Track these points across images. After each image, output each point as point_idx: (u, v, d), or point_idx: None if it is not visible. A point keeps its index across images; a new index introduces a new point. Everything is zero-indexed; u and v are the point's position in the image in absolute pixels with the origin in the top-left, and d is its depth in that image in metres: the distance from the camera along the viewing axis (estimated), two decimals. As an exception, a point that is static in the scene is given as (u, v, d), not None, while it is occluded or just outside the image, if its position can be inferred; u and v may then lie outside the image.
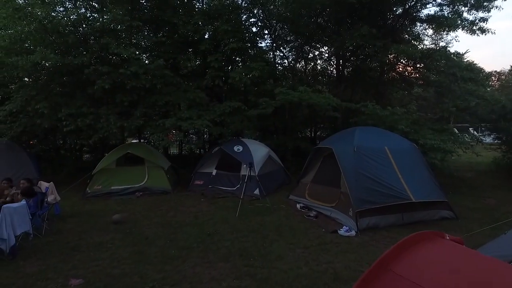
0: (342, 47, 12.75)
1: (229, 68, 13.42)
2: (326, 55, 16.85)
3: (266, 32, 15.20)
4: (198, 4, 13.56)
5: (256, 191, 9.60)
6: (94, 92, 9.49)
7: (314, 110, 12.69)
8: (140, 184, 10.29)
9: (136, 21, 10.41)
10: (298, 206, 8.45)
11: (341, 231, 6.44)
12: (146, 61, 11.59)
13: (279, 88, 10.57)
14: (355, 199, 6.66)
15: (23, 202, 5.71)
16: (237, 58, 13.92)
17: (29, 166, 11.08)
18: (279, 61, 16.51)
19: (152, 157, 10.57)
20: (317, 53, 16.99)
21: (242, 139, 11.15)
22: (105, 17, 11.40)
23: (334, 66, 15.87)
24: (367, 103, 10.14)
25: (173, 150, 18.54)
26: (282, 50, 16.16)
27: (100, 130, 9.66)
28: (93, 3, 11.72)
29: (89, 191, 9.93)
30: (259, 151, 10.62)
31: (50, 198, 7.43)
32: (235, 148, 10.35)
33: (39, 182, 7.79)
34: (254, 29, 14.59)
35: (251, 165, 8.35)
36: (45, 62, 8.96)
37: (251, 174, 9.52)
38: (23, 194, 6.51)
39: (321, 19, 14.26)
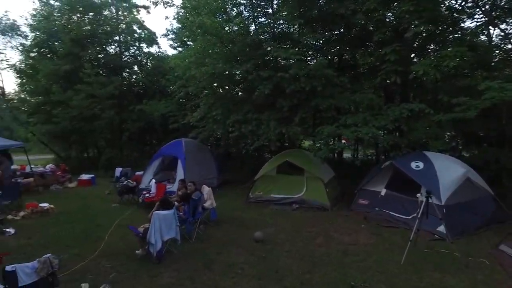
0: None
1: (414, 58, 10.61)
2: None
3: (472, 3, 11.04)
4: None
5: (441, 228, 6.87)
6: (256, 98, 9.49)
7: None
8: (298, 196, 9.56)
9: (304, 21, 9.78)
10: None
11: None
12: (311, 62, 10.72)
13: (486, 82, 7.17)
14: None
15: (172, 210, 6.00)
16: (427, 46, 10.86)
17: (212, 165, 12.61)
18: (498, 43, 11.71)
19: (312, 167, 9.61)
20: None
21: (425, 152, 8.41)
22: (279, 22, 11.43)
23: None
24: None
25: (348, 154, 16.97)
26: (504, 26, 11.37)
27: (260, 137, 9.59)
28: (267, 10, 11.92)
29: (251, 196, 10.12)
30: (450, 171, 7.65)
31: (207, 204, 7.80)
32: (413, 165, 7.86)
33: (202, 186, 8.36)
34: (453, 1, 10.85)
35: (429, 194, 5.88)
36: (215, 72, 9.67)
37: (434, 202, 6.86)
38: (181, 199, 7.02)
39: None
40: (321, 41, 11.51)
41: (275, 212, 9.04)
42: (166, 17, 22.47)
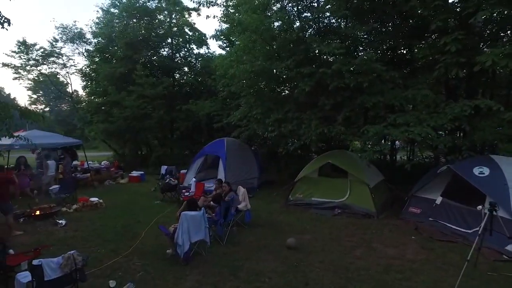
0: None
1: (483, 48, 9.20)
2: None
3: None
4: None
5: (510, 247, 5.78)
6: (297, 96, 9.02)
7: None
8: (341, 200, 8.89)
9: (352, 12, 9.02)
10: None
11: None
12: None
13: None
14: None
15: (200, 211, 5.87)
16: (501, 33, 9.35)
17: (253, 165, 12.41)
18: None
19: (356, 170, 8.87)
20: None
21: (493, 156, 7.21)
22: (325, 15, 10.78)
23: None
24: None
25: (402, 154, 15.53)
26: None
27: (301, 137, 9.10)
28: (313, 3, 11.34)
29: (291, 199, 9.69)
30: (524, 179, 6.43)
31: (241, 206, 7.58)
32: (477, 171, 6.78)
33: (238, 187, 8.16)
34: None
35: (493, 207, 4.90)
36: (254, 70, 9.38)
37: (502, 215, 5.78)
38: (213, 200, 6.89)
39: None
40: (371, 35, 10.60)
41: (315, 217, 8.51)
42: (207, 16, 22.41)
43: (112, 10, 18.26)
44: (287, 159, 14.80)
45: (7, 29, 10.58)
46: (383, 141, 8.73)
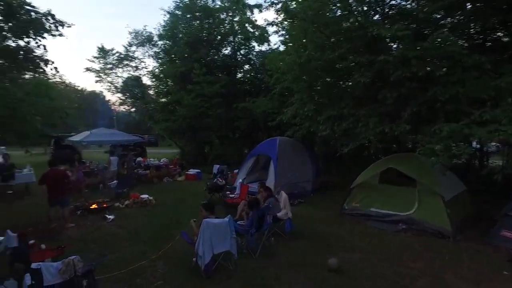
0: None
1: None
2: None
3: None
4: None
5: None
6: (353, 89, 7.78)
7: None
8: (406, 214, 7.40)
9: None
10: None
11: None
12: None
13: None
14: None
15: (226, 219, 5.24)
16: None
17: (308, 167, 11.37)
18: None
19: (427, 178, 7.26)
20: None
21: None
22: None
23: None
24: None
25: (497, 159, 12.68)
26: None
27: (357, 137, 7.84)
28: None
29: (346, 207, 8.48)
30: None
31: (280, 213, 6.76)
32: None
33: (280, 192, 7.33)
34: None
35: None
36: (301, 61, 8.38)
37: None
38: (248, 205, 6.20)
39: None
40: (454, 16, 8.64)
41: (371, 231, 7.21)
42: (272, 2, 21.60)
43: (177, 12, 18.94)
44: (351, 160, 13.34)
45: (61, 34, 11.40)
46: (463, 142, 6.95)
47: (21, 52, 11.77)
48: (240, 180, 10.09)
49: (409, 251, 6.09)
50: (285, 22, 10.03)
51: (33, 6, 11.51)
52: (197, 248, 4.95)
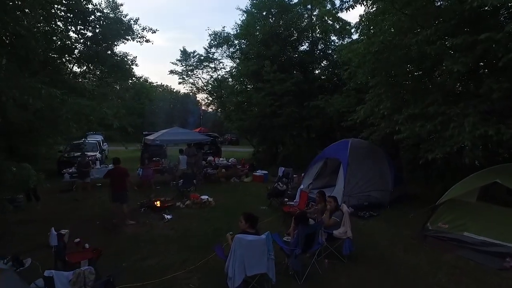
0: None
1: None
2: None
3: None
4: None
5: None
6: (443, 81, 6.10)
7: None
8: (518, 246, 5.48)
9: None
10: None
11: None
12: None
13: None
14: None
15: (263, 236, 4.44)
16: None
17: (386, 174, 9.68)
18: None
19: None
20: None
21: None
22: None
23: None
24: None
25: None
26: None
27: (446, 141, 6.13)
28: None
29: (430, 228, 6.77)
30: None
31: (337, 231, 5.64)
32: None
33: (342, 205, 6.16)
34: None
35: None
36: (376, 50, 6.94)
37: None
38: (294, 220, 5.28)
39: None
40: None
41: (463, 265, 5.50)
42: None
43: (253, 10, 18.71)
44: (441, 169, 11.05)
45: (148, 40, 12.07)
46: None
47: (116, 59, 13.09)
48: (302, 186, 9.13)
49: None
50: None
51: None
52: (227, 268, 4.30)
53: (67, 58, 10.58)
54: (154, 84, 53.67)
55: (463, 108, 6.02)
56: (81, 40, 10.93)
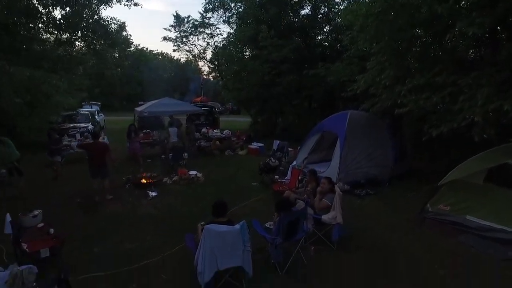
0: None
1: None
2: None
3: None
4: None
5: None
6: (454, 47, 5.28)
7: None
8: (526, 233, 4.95)
9: None
10: None
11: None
12: None
13: None
14: None
15: (237, 226, 3.93)
16: None
17: (386, 150, 9.03)
18: None
19: None
20: None
21: None
22: None
23: None
24: None
25: None
26: None
27: (455, 116, 5.43)
28: None
29: (430, 209, 6.24)
30: None
31: (326, 216, 5.13)
32: None
33: (335, 186, 5.59)
34: None
35: None
36: (379, 10, 6.04)
37: None
38: (276, 207, 4.73)
39: None
40: None
41: (464, 252, 5.02)
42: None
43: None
44: (447, 145, 10.36)
45: (137, 4, 11.11)
46: None
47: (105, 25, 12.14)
48: (294, 163, 8.57)
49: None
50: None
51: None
52: (196, 261, 3.84)
53: (39, 25, 9.68)
54: (154, 52, 51.99)
55: (476, 78, 5.25)
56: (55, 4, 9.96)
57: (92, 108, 20.29)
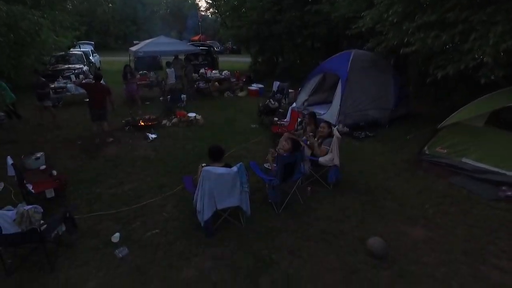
0: None
1: None
2: None
3: None
4: None
5: None
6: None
7: None
8: (517, 175, 5.06)
9: None
10: None
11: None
12: None
13: None
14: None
15: (235, 168, 3.98)
16: None
17: (388, 92, 8.82)
18: None
19: None
20: None
21: None
22: None
23: None
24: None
25: None
26: None
27: (463, 56, 5.15)
28: None
29: (427, 152, 6.31)
30: None
31: (324, 158, 5.17)
32: None
33: (334, 129, 5.54)
34: None
35: None
36: None
37: None
38: (292, 146, 4.71)
39: None
40: None
41: (456, 193, 5.16)
42: None
43: None
44: (452, 87, 10.10)
45: None
46: None
47: None
48: (294, 104, 8.44)
49: (508, 234, 4.08)
50: None
51: None
52: (195, 202, 3.98)
53: None
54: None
55: (491, 15, 4.86)
56: None
57: (82, 48, 19.37)
